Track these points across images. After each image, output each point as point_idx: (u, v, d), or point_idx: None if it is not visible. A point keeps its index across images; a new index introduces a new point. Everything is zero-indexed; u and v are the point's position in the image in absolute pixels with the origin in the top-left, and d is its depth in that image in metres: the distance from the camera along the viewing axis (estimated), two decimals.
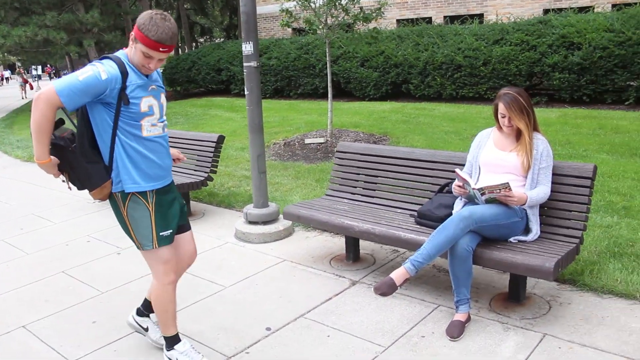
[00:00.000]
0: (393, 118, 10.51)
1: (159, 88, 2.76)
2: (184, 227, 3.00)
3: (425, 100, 12.85)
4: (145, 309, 3.21)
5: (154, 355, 3.15)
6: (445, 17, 17.11)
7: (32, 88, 39.40)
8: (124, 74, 2.57)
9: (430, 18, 17.35)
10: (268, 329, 3.37)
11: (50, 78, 49.16)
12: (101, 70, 2.52)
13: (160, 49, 2.52)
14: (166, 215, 2.81)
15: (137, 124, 2.67)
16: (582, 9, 12.38)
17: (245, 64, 4.72)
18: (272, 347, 3.17)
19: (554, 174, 3.39)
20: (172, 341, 2.98)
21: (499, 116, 3.40)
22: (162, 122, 2.79)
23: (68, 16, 15.68)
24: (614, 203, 4.99)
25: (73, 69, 30.68)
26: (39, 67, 47.21)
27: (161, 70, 2.80)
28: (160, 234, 2.77)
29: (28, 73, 46.96)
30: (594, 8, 12.69)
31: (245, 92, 4.78)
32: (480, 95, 12.04)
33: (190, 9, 29.55)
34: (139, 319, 3.24)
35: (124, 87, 2.57)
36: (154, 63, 2.58)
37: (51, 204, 6.55)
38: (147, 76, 2.68)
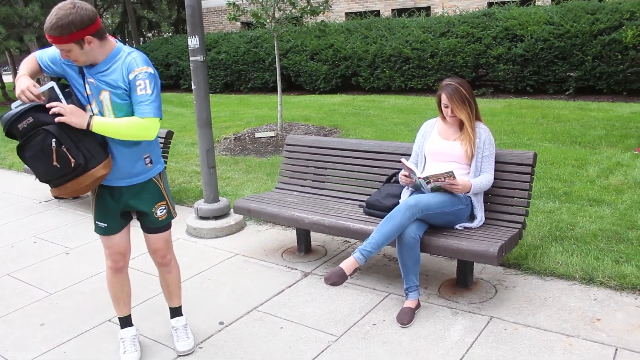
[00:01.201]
0: (343, 111, 10.59)
1: (99, 84, 2.58)
2: (151, 230, 2.96)
3: (374, 93, 12.99)
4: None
5: (104, 357, 3.11)
6: (393, 10, 17.32)
7: None
8: None
9: (378, 11, 17.52)
10: (221, 323, 3.37)
11: None
12: None
13: (49, 39, 2.44)
14: (101, 209, 2.84)
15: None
16: (524, 2, 12.74)
17: (191, 59, 4.67)
18: (226, 341, 3.18)
19: (496, 162, 3.49)
20: (120, 323, 3.12)
21: (442, 106, 3.48)
22: None
23: (6, 10, 15.04)
24: (556, 189, 5.18)
25: (14, 65, 29.52)
26: None
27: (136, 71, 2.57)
28: (97, 222, 2.87)
29: None
30: (535, 1, 13.07)
31: (193, 87, 4.74)
32: (429, 87, 12.25)
33: (137, 2, 28.84)
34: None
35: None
36: (59, 52, 2.55)
37: None
38: (91, 67, 2.59)
